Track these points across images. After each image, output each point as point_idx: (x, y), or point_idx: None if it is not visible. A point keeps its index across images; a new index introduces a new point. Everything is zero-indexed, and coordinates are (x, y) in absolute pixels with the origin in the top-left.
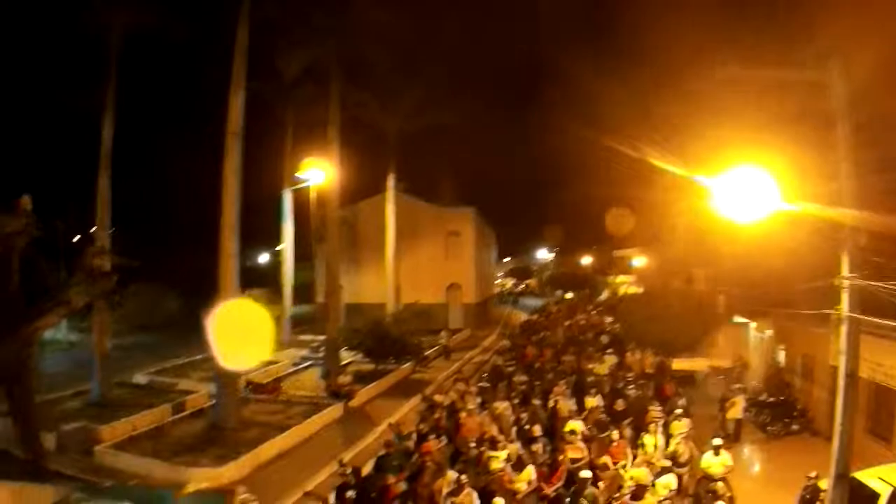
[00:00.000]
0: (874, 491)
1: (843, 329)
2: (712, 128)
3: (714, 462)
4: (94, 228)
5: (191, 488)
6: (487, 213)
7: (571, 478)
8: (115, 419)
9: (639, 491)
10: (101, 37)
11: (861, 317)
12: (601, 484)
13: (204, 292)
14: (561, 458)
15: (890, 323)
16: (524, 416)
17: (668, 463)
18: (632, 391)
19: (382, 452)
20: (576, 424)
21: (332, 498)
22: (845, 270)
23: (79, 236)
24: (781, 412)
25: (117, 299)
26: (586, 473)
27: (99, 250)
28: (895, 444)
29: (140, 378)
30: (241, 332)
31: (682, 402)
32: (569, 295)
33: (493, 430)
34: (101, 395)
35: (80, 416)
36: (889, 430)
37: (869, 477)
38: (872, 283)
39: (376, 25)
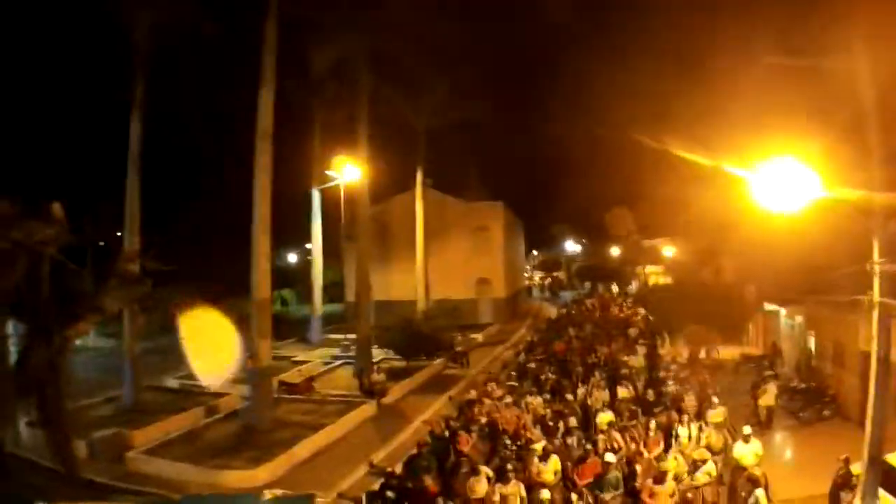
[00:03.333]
0: None
1: (875, 314)
2: (742, 117)
3: (745, 451)
4: (123, 232)
5: (268, 495)
6: (516, 207)
7: (607, 470)
8: (147, 424)
9: (660, 476)
10: (128, 34)
11: (892, 302)
12: (639, 474)
13: (236, 293)
14: (592, 449)
15: None
16: (548, 411)
17: (706, 454)
18: (671, 385)
19: (413, 452)
20: (608, 416)
21: (364, 499)
22: (876, 256)
23: (105, 241)
24: (813, 398)
25: (150, 304)
26: (610, 457)
27: (132, 254)
28: None
29: (171, 382)
30: (210, 345)
31: (715, 391)
32: (599, 287)
33: (529, 423)
34: (133, 401)
35: (111, 422)
36: None
37: None
38: None
39: (404, 21)
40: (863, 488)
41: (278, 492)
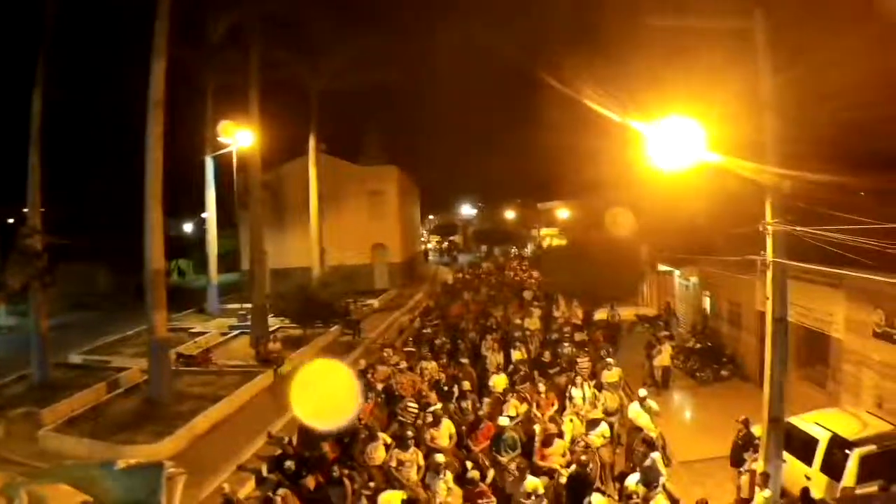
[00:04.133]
0: (812, 436)
1: (769, 274)
2: (649, 77)
3: (640, 412)
4: (25, 209)
5: (122, 464)
6: (411, 170)
7: (502, 431)
8: (56, 401)
9: (548, 438)
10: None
11: (786, 262)
12: (537, 434)
13: (133, 267)
14: (486, 413)
15: (817, 267)
16: (443, 376)
17: (599, 414)
18: (567, 347)
19: None
20: (502, 379)
21: (264, 469)
22: (769, 216)
23: (11, 219)
24: (710, 358)
25: (49, 279)
26: (504, 420)
27: (31, 230)
28: (829, 389)
29: (75, 357)
30: None
31: (609, 351)
32: (496, 251)
33: (425, 388)
34: (43, 378)
35: (24, 400)
36: (822, 375)
37: (806, 422)
38: (796, 229)
39: None
40: (766, 451)
41: (132, 461)
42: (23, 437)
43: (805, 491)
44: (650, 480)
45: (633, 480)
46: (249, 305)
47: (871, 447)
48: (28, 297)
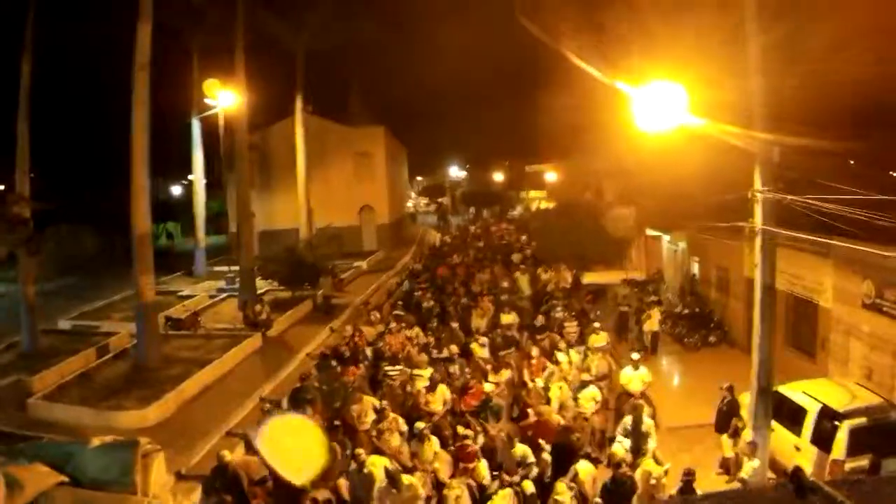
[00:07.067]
0: (800, 406)
1: (758, 242)
2: (641, 40)
3: (633, 377)
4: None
5: (97, 442)
6: (398, 131)
7: (488, 398)
8: (45, 369)
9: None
10: None
11: (775, 230)
12: (532, 400)
13: (120, 230)
14: (473, 379)
15: (805, 236)
16: (431, 339)
17: (587, 377)
18: (558, 311)
19: (297, 385)
20: (476, 345)
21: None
22: (758, 183)
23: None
24: (698, 324)
25: (34, 247)
26: (489, 387)
27: (17, 198)
28: (818, 358)
29: (64, 324)
30: None
31: (597, 315)
32: (484, 213)
33: (413, 351)
34: (32, 346)
35: (13, 369)
36: (811, 344)
37: (794, 391)
38: (784, 196)
39: None
40: (754, 420)
41: (107, 438)
42: (12, 406)
43: (796, 470)
44: (638, 447)
45: (620, 447)
46: (237, 268)
47: (861, 419)
48: (15, 264)
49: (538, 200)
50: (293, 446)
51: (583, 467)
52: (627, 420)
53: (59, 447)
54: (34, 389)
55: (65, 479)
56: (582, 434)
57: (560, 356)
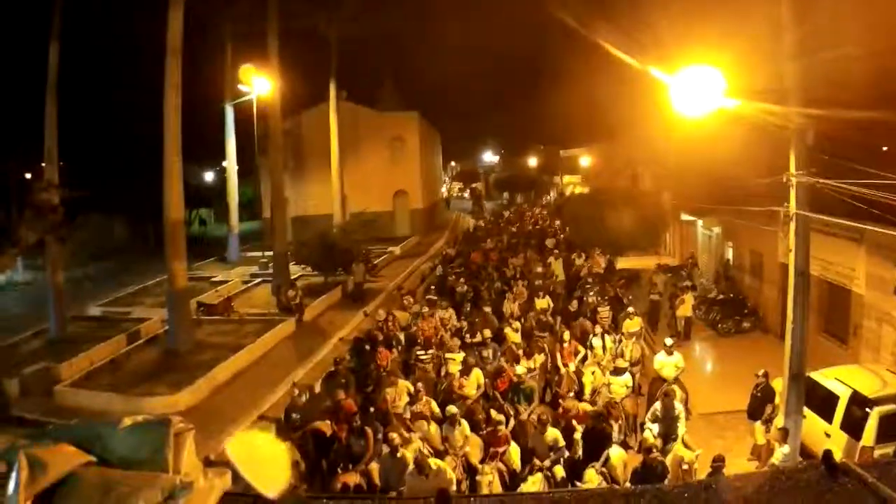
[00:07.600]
0: (832, 392)
1: (792, 226)
2: (675, 25)
3: (667, 363)
4: (43, 163)
5: (128, 421)
6: (432, 117)
7: (520, 382)
8: (73, 355)
9: (578, 388)
10: None
11: (809, 214)
12: (564, 385)
13: (152, 216)
14: (506, 362)
15: (839, 221)
16: (464, 324)
17: (622, 363)
18: (592, 296)
19: (331, 370)
20: (509, 330)
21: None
22: (793, 168)
23: (29, 174)
24: (732, 310)
25: (64, 233)
26: (521, 370)
27: (46, 185)
28: (850, 345)
29: (94, 310)
30: None
31: (630, 300)
32: (518, 198)
33: (447, 336)
34: (60, 333)
35: (41, 356)
36: (844, 330)
37: (826, 377)
38: (820, 181)
39: None
40: (786, 406)
41: (139, 417)
42: (39, 394)
43: (827, 453)
44: (669, 433)
45: (650, 433)
46: (270, 253)
47: (892, 406)
48: (43, 252)
49: (572, 185)
50: (262, 460)
51: (615, 452)
52: (657, 406)
53: (89, 428)
54: (62, 377)
55: (92, 459)
56: (616, 421)
57: (594, 341)
